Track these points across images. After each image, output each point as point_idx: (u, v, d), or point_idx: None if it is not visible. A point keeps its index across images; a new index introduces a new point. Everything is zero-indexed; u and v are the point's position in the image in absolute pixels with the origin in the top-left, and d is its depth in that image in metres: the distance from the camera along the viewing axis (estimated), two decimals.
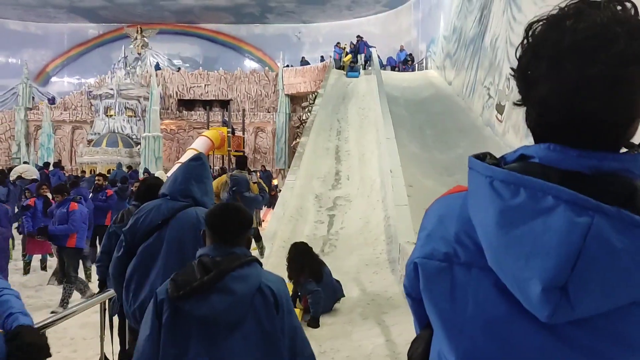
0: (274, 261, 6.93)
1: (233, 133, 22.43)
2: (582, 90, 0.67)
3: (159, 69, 27.42)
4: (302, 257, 5.39)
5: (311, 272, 5.26)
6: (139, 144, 22.38)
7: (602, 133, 0.69)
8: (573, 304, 0.61)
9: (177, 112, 25.87)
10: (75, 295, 6.42)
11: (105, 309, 3.37)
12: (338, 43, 23.70)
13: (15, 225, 8.73)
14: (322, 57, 26.92)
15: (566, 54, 0.67)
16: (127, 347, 3.31)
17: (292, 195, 9.67)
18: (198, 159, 3.08)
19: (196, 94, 26.42)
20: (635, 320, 0.64)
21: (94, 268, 6.73)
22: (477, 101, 13.59)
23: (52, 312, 5.47)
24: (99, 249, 7.67)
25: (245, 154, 22.06)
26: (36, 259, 8.29)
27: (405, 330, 4.62)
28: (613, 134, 0.69)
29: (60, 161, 19.59)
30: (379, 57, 23.37)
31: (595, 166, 0.67)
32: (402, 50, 24.77)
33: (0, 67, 32.23)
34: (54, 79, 33.41)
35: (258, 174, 12.02)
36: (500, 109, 11.49)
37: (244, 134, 23.65)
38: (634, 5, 0.68)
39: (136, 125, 23.67)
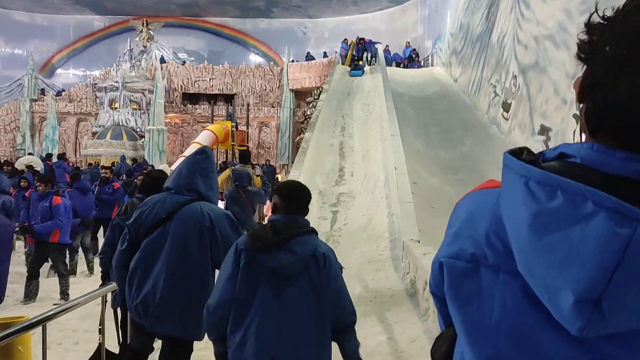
0: None
1: (237, 127, 22.42)
2: None
3: (164, 62, 27.39)
4: None
5: None
6: (143, 137, 22.39)
7: None
8: (607, 319, 0.57)
9: (182, 105, 25.86)
10: (79, 287, 6.43)
11: (106, 302, 3.35)
12: (345, 39, 23.59)
13: None
14: (325, 53, 26.82)
15: None
16: (128, 340, 3.30)
17: None
18: (203, 152, 3.05)
19: (201, 88, 26.39)
20: None
21: (96, 260, 6.75)
22: (483, 99, 13.52)
23: (54, 304, 5.47)
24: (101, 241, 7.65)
25: (249, 149, 22.07)
26: None
27: (408, 328, 4.60)
28: None
29: (64, 153, 19.59)
30: (389, 51, 23.31)
31: None
32: (408, 46, 24.65)
33: (5, 58, 32.26)
34: (59, 70, 33.43)
35: (261, 168, 12.00)
36: (506, 106, 11.42)
37: (248, 128, 23.61)
38: None
39: (140, 118, 23.67)
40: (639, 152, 0.63)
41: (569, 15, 8.20)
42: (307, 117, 19.01)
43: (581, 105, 0.74)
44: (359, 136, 12.88)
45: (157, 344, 3.32)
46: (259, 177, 8.13)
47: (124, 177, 12.67)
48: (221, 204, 6.33)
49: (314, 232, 2.28)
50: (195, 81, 26.42)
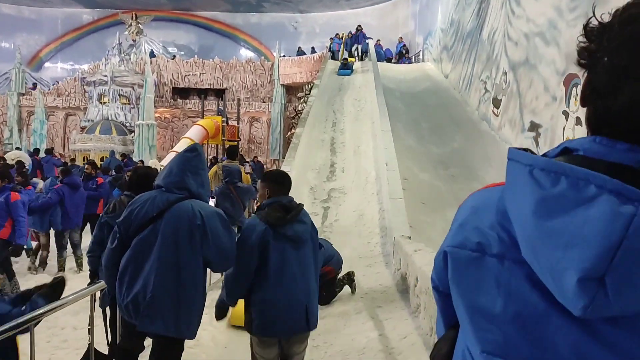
0: None
1: (227, 122, 22.31)
2: None
3: (154, 56, 27.16)
4: None
5: None
6: (133, 131, 22.22)
7: None
8: (611, 297, 0.58)
9: (172, 100, 25.68)
10: (68, 284, 6.35)
11: (95, 301, 3.32)
12: (337, 34, 23.54)
13: None
14: (312, 48, 26.70)
15: None
16: (118, 340, 3.27)
17: None
18: (194, 150, 3.02)
19: (191, 83, 26.21)
20: None
21: (85, 257, 6.69)
22: (474, 95, 13.56)
23: None
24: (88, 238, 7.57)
25: (240, 144, 21.99)
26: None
27: (399, 324, 4.62)
28: None
29: (52, 148, 19.40)
30: (380, 46, 23.31)
31: None
32: (400, 41, 24.67)
33: None
34: (47, 64, 33.02)
35: (250, 166, 11.97)
36: (496, 103, 11.46)
37: (238, 123, 23.51)
38: None
39: (130, 112, 23.47)
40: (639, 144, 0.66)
41: (560, 12, 8.23)
42: (299, 112, 18.97)
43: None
44: (350, 132, 12.87)
45: (147, 342, 3.30)
46: (248, 175, 8.10)
47: (114, 172, 12.58)
48: (212, 202, 6.30)
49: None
50: (186, 76, 26.23)
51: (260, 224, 2.87)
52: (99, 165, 11.73)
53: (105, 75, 23.21)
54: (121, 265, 2.71)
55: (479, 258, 0.71)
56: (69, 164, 13.31)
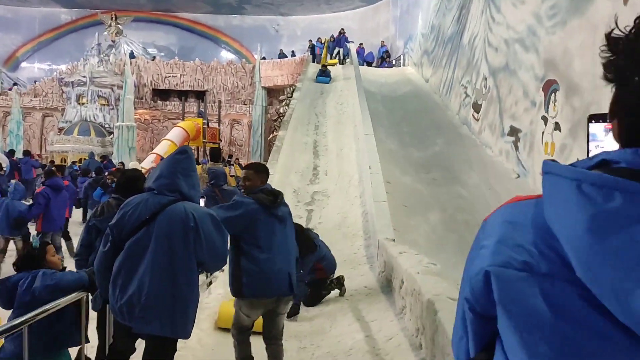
0: None
1: (208, 124, 22.21)
2: None
3: (134, 57, 26.90)
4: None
5: (307, 248, 5.37)
6: (112, 133, 21.97)
7: None
8: None
9: (152, 101, 25.46)
10: None
11: (84, 304, 3.31)
12: (319, 38, 23.64)
13: None
14: (292, 52, 26.75)
15: None
16: (109, 343, 3.26)
17: None
18: (184, 152, 3.05)
19: (171, 84, 26.04)
20: None
21: (71, 261, 6.61)
22: (454, 99, 13.76)
23: None
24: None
25: (221, 146, 21.90)
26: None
27: (385, 326, 4.68)
28: None
29: (28, 150, 19.05)
30: (363, 49, 23.50)
31: None
32: (383, 45, 24.90)
33: None
34: (24, 64, 32.41)
35: (242, 172, 11.95)
36: (477, 107, 11.65)
37: (219, 125, 23.42)
38: None
39: (109, 114, 23.21)
40: None
41: (539, 19, 8.42)
42: (281, 115, 18.97)
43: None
44: (332, 135, 12.95)
45: (138, 343, 3.30)
46: (233, 178, 8.11)
47: (93, 174, 12.43)
48: (202, 202, 6.29)
49: None
50: (166, 77, 26.05)
51: (253, 202, 3.45)
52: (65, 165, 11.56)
53: (84, 76, 22.92)
54: (114, 268, 2.72)
55: (527, 278, 0.67)
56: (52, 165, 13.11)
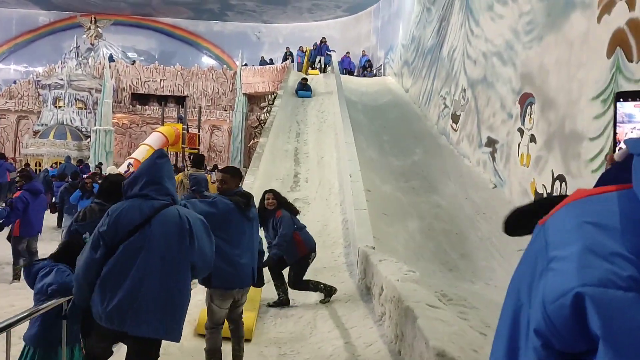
0: None
1: (187, 130, 22.10)
2: None
3: (113, 60, 26.64)
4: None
5: (291, 209, 6.00)
6: (89, 137, 21.69)
7: None
8: None
9: (131, 106, 25.21)
10: (27, 295, 6.18)
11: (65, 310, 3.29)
12: (301, 47, 23.78)
13: None
14: (271, 59, 26.76)
15: None
16: (87, 349, 3.24)
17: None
18: (164, 155, 3.10)
19: (151, 89, 25.84)
20: None
21: None
22: (433, 110, 13.97)
23: None
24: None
25: (201, 152, 21.81)
26: None
27: (364, 332, 4.74)
28: None
29: (2, 153, 18.68)
30: (349, 57, 23.75)
31: None
32: (364, 55, 25.17)
33: None
34: None
35: (217, 174, 11.91)
36: (455, 118, 11.86)
37: (199, 131, 23.33)
38: None
39: (86, 117, 22.92)
40: None
41: (516, 34, 8.65)
42: (262, 122, 18.99)
43: None
44: (313, 142, 13.02)
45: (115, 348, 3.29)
46: (214, 184, 8.10)
47: (70, 178, 12.26)
48: None
49: None
50: (145, 81, 25.84)
51: (230, 203, 3.83)
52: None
53: (62, 79, 22.62)
54: (103, 273, 2.71)
55: (637, 298, 0.51)
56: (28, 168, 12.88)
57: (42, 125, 22.41)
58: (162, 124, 22.67)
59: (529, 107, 7.97)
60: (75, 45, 24.68)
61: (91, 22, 29.80)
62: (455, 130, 11.72)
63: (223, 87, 26.08)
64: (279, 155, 12.26)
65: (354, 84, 18.93)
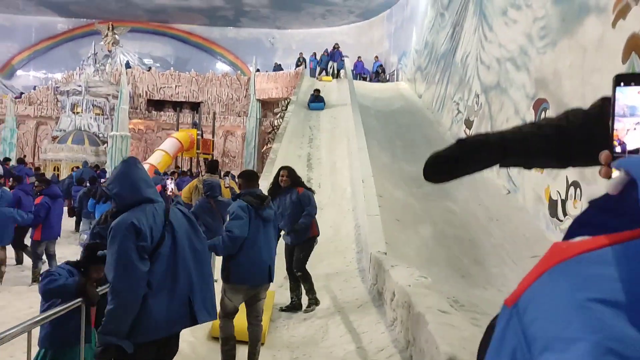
0: None
1: (202, 136, 22.31)
2: None
3: (129, 67, 27.01)
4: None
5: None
6: (106, 142, 22.00)
7: None
8: None
9: (146, 112, 25.54)
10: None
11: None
12: (314, 53, 23.91)
13: None
14: (279, 64, 26.90)
15: None
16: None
17: None
18: (139, 161, 3.13)
19: (166, 95, 26.15)
20: None
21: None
22: (446, 115, 13.95)
23: None
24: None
25: (214, 157, 21.98)
26: None
27: (376, 337, 4.76)
28: None
29: (23, 157, 19.03)
30: (362, 62, 23.86)
31: None
32: (376, 60, 25.22)
33: None
34: (19, 72, 32.44)
35: (230, 179, 12.01)
36: (468, 124, 11.84)
37: (213, 137, 23.53)
38: None
39: (103, 123, 23.26)
40: None
41: (530, 39, 8.64)
42: (275, 127, 19.11)
43: None
44: (326, 148, 13.07)
45: None
46: (228, 189, 8.18)
47: (87, 183, 12.45)
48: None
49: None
50: (161, 88, 26.16)
51: (245, 206, 4.13)
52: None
53: (79, 85, 22.99)
54: (157, 281, 2.64)
55: None
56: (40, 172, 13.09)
57: (61, 130, 22.79)
58: (177, 130, 22.92)
59: (543, 112, 7.95)
60: (92, 52, 25.10)
61: (108, 29, 30.26)
62: None
63: (237, 93, 26.29)
64: (292, 161, 12.31)
65: (366, 90, 18.97)
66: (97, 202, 8.91)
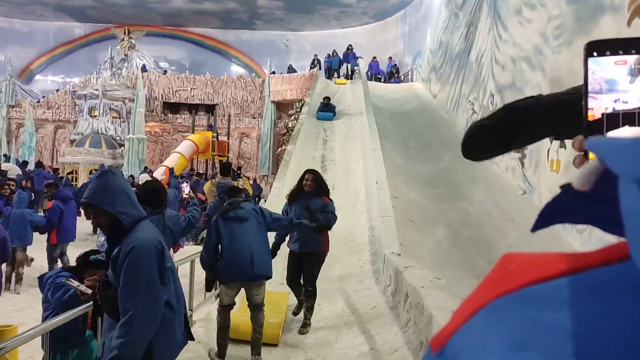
0: None
1: (217, 138, 22.48)
2: None
3: (145, 70, 27.31)
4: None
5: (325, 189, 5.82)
6: (123, 145, 22.27)
7: None
8: None
9: (162, 114, 25.79)
10: None
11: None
12: (328, 54, 23.96)
13: None
14: (290, 66, 27.08)
15: None
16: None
17: (279, 202, 9.75)
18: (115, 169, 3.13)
19: (182, 98, 26.38)
20: None
21: None
22: (461, 115, 13.87)
23: None
24: None
25: (229, 159, 22.12)
26: None
27: (389, 339, 4.75)
28: None
29: (40, 162, 19.35)
30: (377, 62, 23.84)
31: None
32: (391, 61, 25.16)
33: None
34: (37, 76, 33.01)
35: (246, 180, 12.10)
36: None
37: (228, 139, 23.68)
38: None
39: (120, 126, 23.54)
40: None
41: (545, 39, 8.56)
42: (290, 129, 19.16)
43: None
44: (340, 150, 13.08)
45: None
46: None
47: None
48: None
49: (248, 200, 4.97)
50: (177, 90, 26.40)
51: (212, 224, 4.56)
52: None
53: (97, 89, 23.30)
54: (173, 301, 2.78)
55: None
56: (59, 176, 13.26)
57: (78, 134, 23.12)
58: (193, 132, 23.12)
59: None
60: (109, 56, 25.44)
61: (125, 33, 30.62)
62: None
63: (252, 95, 26.42)
64: (306, 162, 12.33)
65: (381, 90, 18.94)
66: None
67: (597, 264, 0.29)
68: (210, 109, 25.88)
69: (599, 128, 0.48)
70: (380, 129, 12.19)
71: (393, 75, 23.93)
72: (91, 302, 3.04)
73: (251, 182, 18.70)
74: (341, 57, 23.29)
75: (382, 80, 23.52)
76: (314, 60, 24.69)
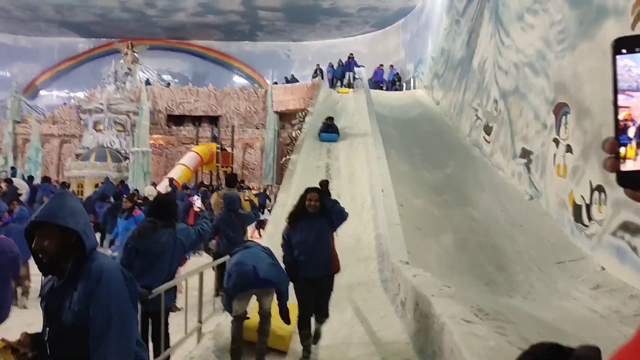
0: None
1: (222, 149, 22.55)
2: None
3: (149, 84, 27.47)
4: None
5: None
6: (128, 158, 22.35)
7: None
8: None
9: (166, 127, 25.89)
10: None
11: None
12: (330, 63, 24.05)
13: None
14: (293, 76, 27.12)
15: None
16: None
17: (284, 212, 9.75)
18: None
19: (185, 110, 26.49)
20: None
21: None
22: (465, 122, 13.87)
23: None
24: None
25: (234, 170, 22.17)
26: None
27: (400, 348, 4.73)
28: None
29: (47, 177, 19.41)
30: (383, 70, 23.93)
31: None
32: (392, 69, 25.23)
33: None
34: (42, 92, 33.26)
35: (251, 192, 12.11)
36: (488, 130, 11.75)
37: (232, 150, 23.74)
38: None
39: (125, 140, 23.64)
40: None
41: (548, 44, 8.57)
42: (293, 139, 19.19)
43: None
44: (344, 158, 13.08)
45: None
46: (247, 202, 8.25)
47: (112, 199, 12.65)
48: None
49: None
50: (180, 103, 26.52)
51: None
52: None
53: (101, 103, 23.43)
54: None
55: None
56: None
57: (84, 148, 23.23)
58: (197, 144, 23.20)
59: (563, 116, 7.86)
60: (113, 71, 25.55)
61: (128, 47, 30.76)
62: (488, 142, 11.60)
63: (255, 106, 26.51)
64: (311, 172, 12.35)
65: (383, 98, 18.97)
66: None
67: None
68: (213, 120, 25.97)
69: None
70: (384, 137, 12.20)
71: (395, 83, 23.99)
72: None
73: (260, 192, 18.81)
74: (340, 65, 23.41)
75: (385, 88, 23.57)
76: (316, 70, 24.80)
